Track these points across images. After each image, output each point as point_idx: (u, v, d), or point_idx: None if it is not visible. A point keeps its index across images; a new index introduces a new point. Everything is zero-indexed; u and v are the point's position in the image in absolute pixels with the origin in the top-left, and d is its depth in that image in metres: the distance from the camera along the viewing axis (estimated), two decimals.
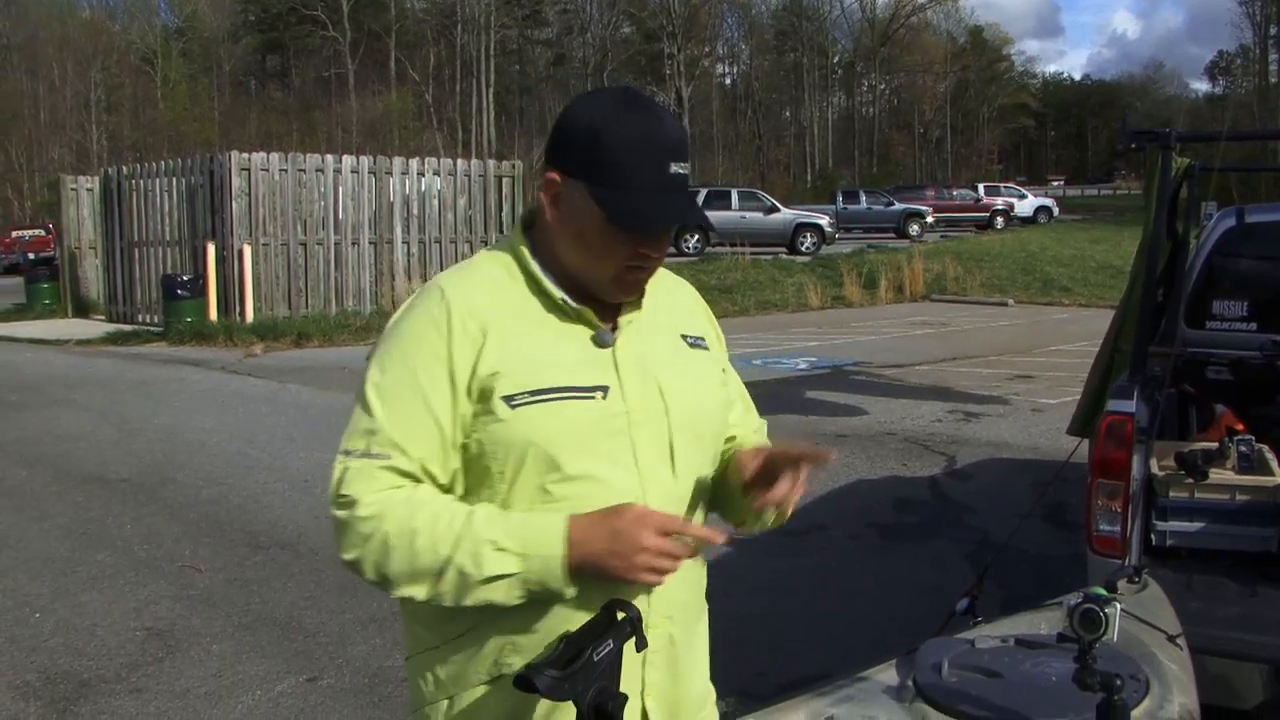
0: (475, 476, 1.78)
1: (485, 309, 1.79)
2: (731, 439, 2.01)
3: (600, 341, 1.83)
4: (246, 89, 78.94)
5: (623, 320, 1.86)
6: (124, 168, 23.26)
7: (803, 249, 32.89)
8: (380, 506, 1.71)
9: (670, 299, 1.96)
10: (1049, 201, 48.29)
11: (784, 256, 30.23)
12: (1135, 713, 1.84)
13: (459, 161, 22.43)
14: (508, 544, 1.69)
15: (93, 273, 23.26)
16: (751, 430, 2.07)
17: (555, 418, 1.76)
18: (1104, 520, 3.90)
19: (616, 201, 1.73)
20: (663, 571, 1.69)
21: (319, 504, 7.77)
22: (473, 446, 1.77)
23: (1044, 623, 2.22)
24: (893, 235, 38.02)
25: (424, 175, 21.08)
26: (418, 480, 1.76)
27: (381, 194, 20.50)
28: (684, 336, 1.95)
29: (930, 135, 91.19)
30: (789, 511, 1.90)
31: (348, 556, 1.73)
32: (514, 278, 1.84)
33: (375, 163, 20.73)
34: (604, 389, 1.80)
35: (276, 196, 19.32)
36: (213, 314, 18.58)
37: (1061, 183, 79.45)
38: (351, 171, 20.23)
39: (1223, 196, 6.08)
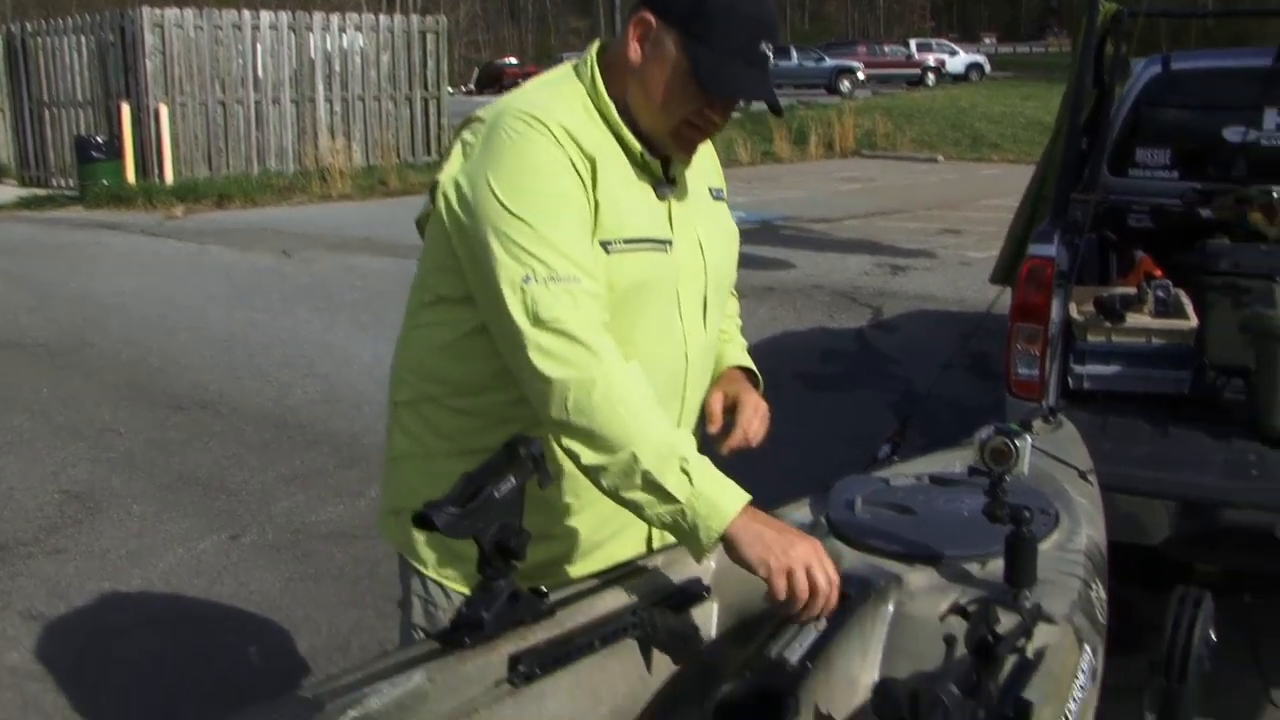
0: None
1: (583, 137, 1.75)
2: None
3: (660, 194, 1.85)
4: None
5: (675, 173, 1.88)
6: (28, 24, 22.30)
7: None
8: (600, 345, 1.65)
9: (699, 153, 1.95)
10: (980, 59, 47.98)
11: None
12: (1043, 545, 1.85)
13: (381, 17, 21.80)
14: (694, 472, 1.64)
15: (1, 136, 22.46)
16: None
17: (638, 267, 1.78)
18: (1022, 364, 3.93)
19: (705, 59, 1.75)
20: (799, 589, 1.60)
21: (240, 364, 7.68)
22: None
23: (959, 461, 2.23)
24: (824, 92, 37.69)
25: (345, 31, 20.46)
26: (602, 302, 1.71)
27: (302, 51, 19.90)
28: (710, 189, 2.00)
29: None
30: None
31: (556, 374, 1.63)
32: (589, 112, 1.81)
33: (295, 19, 20.04)
34: (670, 242, 1.83)
35: (193, 54, 18.67)
36: (130, 176, 18.02)
37: (994, 40, 78.98)
38: (270, 28, 19.57)
39: (1147, 51, 6.04)
